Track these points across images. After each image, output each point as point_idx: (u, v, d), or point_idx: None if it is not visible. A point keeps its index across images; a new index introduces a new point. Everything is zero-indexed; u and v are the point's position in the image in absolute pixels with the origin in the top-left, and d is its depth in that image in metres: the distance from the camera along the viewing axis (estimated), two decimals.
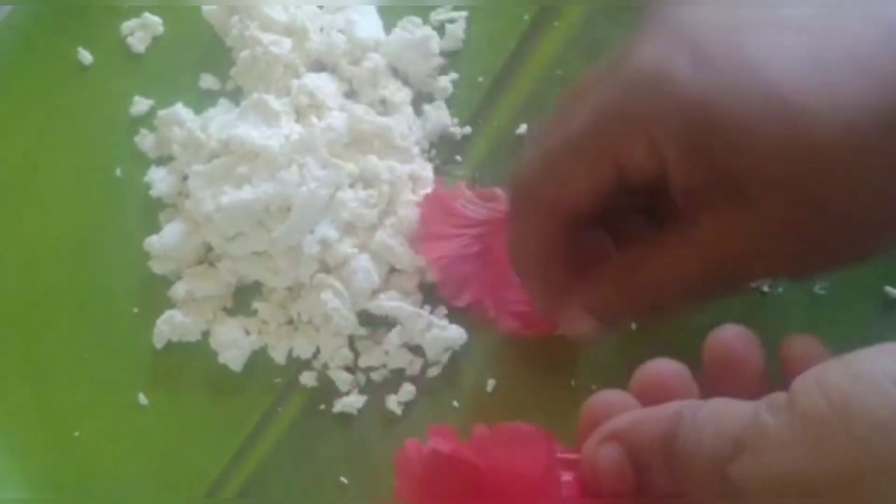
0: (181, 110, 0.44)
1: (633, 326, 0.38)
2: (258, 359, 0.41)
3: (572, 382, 0.39)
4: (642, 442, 0.27)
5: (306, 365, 0.41)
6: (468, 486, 0.29)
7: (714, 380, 0.29)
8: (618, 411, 0.29)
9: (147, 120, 0.45)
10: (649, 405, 0.28)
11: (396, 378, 0.40)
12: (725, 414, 0.25)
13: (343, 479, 0.39)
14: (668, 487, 0.26)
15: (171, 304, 0.42)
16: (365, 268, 0.40)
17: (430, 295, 0.41)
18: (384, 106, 0.44)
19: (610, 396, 0.29)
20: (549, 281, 0.34)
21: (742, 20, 0.29)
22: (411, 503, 0.31)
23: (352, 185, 0.41)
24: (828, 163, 0.27)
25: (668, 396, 0.28)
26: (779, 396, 0.24)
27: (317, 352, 0.41)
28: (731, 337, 0.29)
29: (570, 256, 0.33)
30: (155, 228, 0.43)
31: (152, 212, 0.44)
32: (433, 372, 0.40)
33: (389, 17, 0.45)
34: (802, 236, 0.28)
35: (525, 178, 0.33)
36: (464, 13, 0.45)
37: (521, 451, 0.28)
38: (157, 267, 0.43)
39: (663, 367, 0.30)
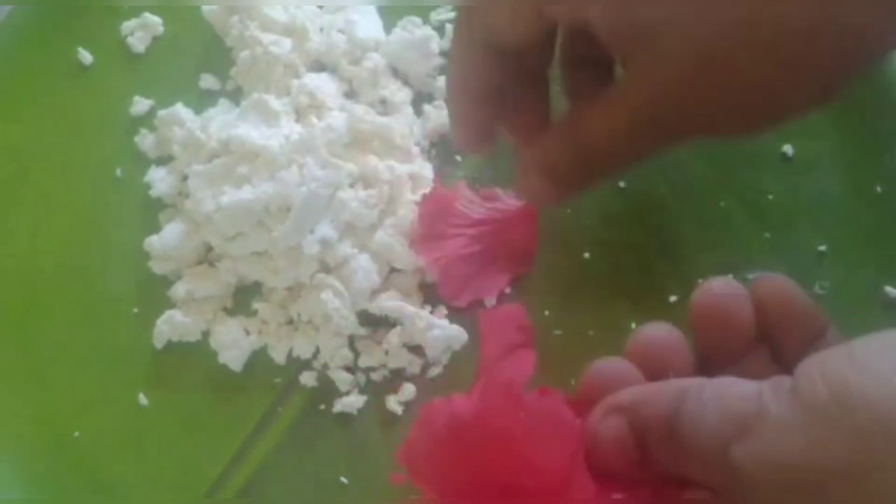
0: (181, 110, 0.44)
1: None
2: (258, 359, 0.41)
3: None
4: (646, 418, 0.27)
5: (306, 365, 0.41)
6: (482, 458, 0.28)
7: (704, 333, 0.29)
8: (618, 380, 0.29)
9: (147, 120, 0.45)
10: (645, 370, 0.29)
11: (396, 378, 0.40)
12: (729, 394, 0.25)
13: (343, 479, 0.39)
14: (670, 465, 0.26)
15: (171, 304, 0.42)
16: (365, 268, 0.40)
17: (430, 295, 0.41)
18: (384, 106, 0.44)
19: (610, 365, 0.29)
20: (472, 111, 0.36)
21: None
22: (418, 461, 0.30)
23: (352, 185, 0.41)
24: (738, 30, 0.28)
25: (663, 361, 0.29)
26: (783, 380, 0.24)
27: (317, 352, 0.41)
28: (718, 289, 0.29)
29: (498, 95, 0.35)
30: (155, 228, 0.43)
31: (152, 212, 0.44)
32: (433, 372, 0.40)
33: (389, 17, 0.45)
34: (712, 89, 0.29)
35: (465, 5, 0.34)
36: None
37: (547, 436, 0.27)
38: (157, 267, 0.43)
39: (657, 333, 0.30)
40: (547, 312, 0.40)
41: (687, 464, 0.25)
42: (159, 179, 0.44)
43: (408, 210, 0.41)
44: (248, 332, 0.42)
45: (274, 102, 0.42)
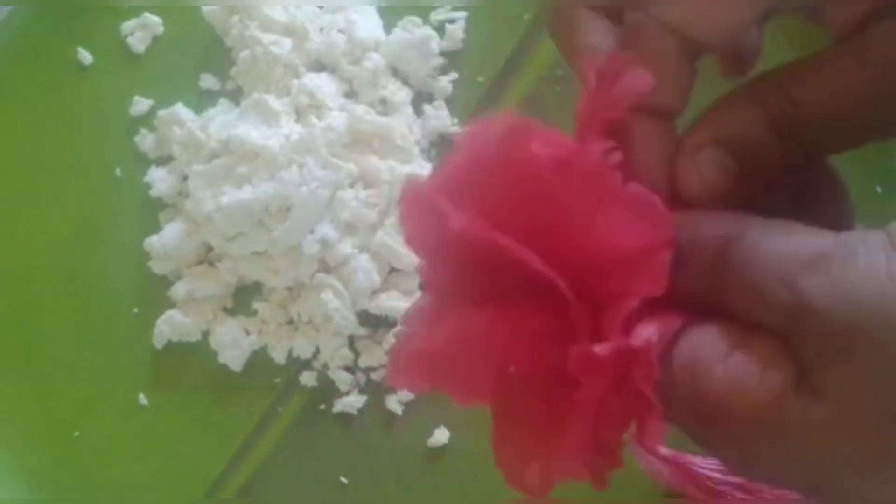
0: (181, 110, 0.44)
1: None
2: (258, 359, 0.41)
3: None
4: (696, 238, 0.23)
5: (306, 365, 0.41)
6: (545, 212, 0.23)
7: None
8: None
9: (147, 120, 0.45)
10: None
11: None
12: (802, 230, 0.23)
13: (343, 479, 0.39)
14: (706, 296, 0.23)
15: (171, 304, 0.42)
16: (365, 268, 0.40)
17: None
18: (384, 106, 0.44)
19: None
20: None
21: None
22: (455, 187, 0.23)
23: (352, 185, 0.41)
24: None
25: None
26: (874, 233, 0.22)
27: (317, 352, 0.41)
28: None
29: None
30: (155, 228, 0.43)
31: (152, 212, 0.44)
32: None
33: (389, 17, 0.45)
34: None
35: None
36: (464, 13, 0.45)
37: (631, 219, 0.22)
38: (157, 267, 0.43)
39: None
40: None
41: (736, 295, 0.23)
42: (159, 179, 0.44)
43: None
44: (248, 332, 0.42)
45: (274, 102, 0.42)
